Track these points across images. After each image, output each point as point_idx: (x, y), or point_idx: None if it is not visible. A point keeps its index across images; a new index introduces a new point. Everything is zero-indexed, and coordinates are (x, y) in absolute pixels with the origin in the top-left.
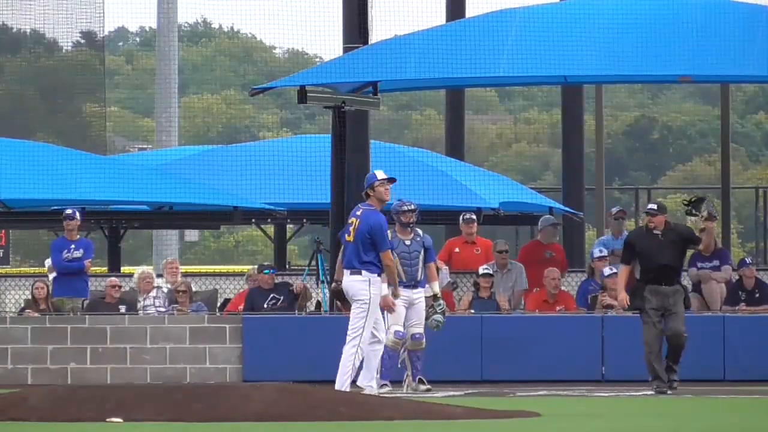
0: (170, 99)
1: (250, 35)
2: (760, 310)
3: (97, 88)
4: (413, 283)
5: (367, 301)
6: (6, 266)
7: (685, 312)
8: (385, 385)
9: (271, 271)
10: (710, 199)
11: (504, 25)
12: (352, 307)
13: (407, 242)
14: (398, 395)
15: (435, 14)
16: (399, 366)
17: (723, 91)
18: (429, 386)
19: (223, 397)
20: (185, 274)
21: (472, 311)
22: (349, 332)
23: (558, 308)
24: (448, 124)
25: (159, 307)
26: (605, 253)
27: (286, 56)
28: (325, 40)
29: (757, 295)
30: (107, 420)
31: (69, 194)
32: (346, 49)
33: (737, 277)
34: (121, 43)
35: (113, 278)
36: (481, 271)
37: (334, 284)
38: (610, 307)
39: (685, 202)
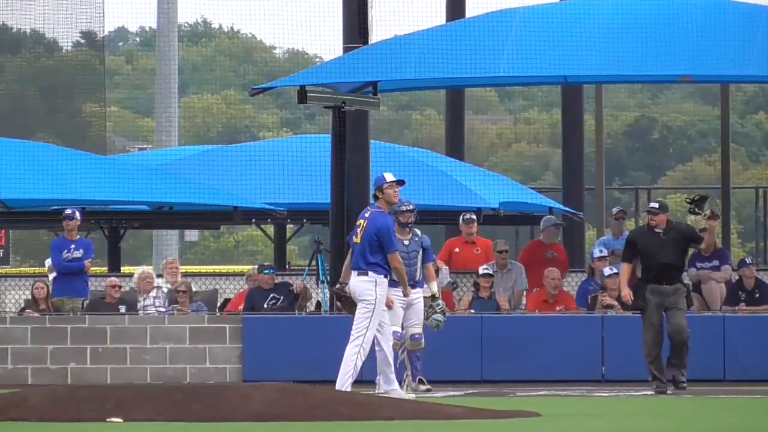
0: (170, 99)
1: (250, 35)
2: (760, 310)
3: (97, 88)
4: (411, 284)
5: (373, 302)
6: (6, 266)
7: (687, 311)
8: None
9: (271, 271)
10: (712, 198)
11: (504, 25)
12: (358, 307)
13: (406, 242)
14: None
15: (435, 14)
16: (398, 366)
17: (723, 91)
18: (429, 386)
19: (223, 397)
20: (185, 274)
21: (472, 311)
22: (352, 332)
23: (558, 308)
24: (448, 124)
25: (159, 307)
26: (605, 253)
27: (286, 56)
28: (325, 40)
29: (757, 295)
30: (107, 420)
31: (69, 194)
32: (346, 49)
33: (737, 277)
34: (121, 43)
35: (113, 278)
36: (481, 271)
37: (337, 285)
38: (610, 307)
39: (688, 200)
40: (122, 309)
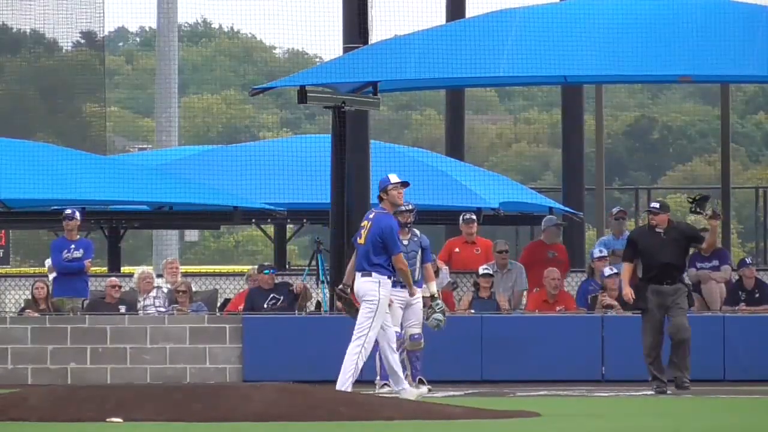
0: (170, 99)
1: (250, 35)
2: (760, 310)
3: (97, 88)
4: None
5: (376, 302)
6: (6, 266)
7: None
8: (386, 384)
9: (271, 271)
10: (712, 198)
11: (504, 25)
12: (361, 308)
13: (405, 242)
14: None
15: (435, 14)
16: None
17: (723, 91)
18: (429, 386)
19: (223, 397)
20: (185, 274)
21: (472, 311)
22: (355, 332)
23: (558, 308)
24: (448, 124)
25: (159, 307)
26: (605, 253)
27: (286, 56)
28: (325, 40)
29: (757, 295)
30: (107, 420)
31: (69, 194)
32: (346, 49)
33: (737, 277)
34: (121, 43)
35: (113, 278)
36: (481, 271)
37: (340, 286)
38: (610, 307)
39: (690, 200)
40: (122, 309)
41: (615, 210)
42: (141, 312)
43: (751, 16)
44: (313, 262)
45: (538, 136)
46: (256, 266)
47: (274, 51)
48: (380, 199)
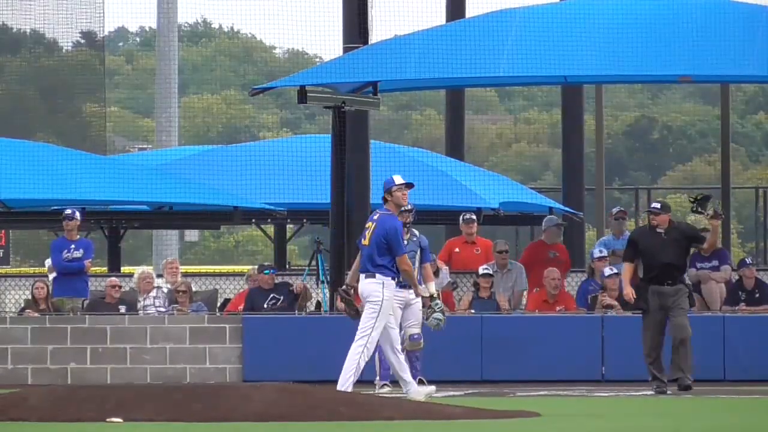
0: (170, 99)
1: (250, 35)
2: (760, 310)
3: (97, 88)
4: (409, 284)
5: (379, 303)
6: (6, 266)
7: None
8: (386, 385)
9: (271, 271)
10: (713, 198)
11: (504, 25)
12: (365, 308)
13: (404, 242)
14: (398, 395)
15: (435, 14)
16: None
17: (723, 91)
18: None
19: (223, 397)
20: (185, 274)
21: (472, 311)
22: (357, 332)
23: (558, 308)
24: (448, 124)
25: (159, 307)
26: (605, 253)
27: (286, 56)
28: (325, 40)
29: (757, 295)
30: (107, 420)
31: (69, 194)
32: (346, 49)
33: (737, 277)
34: (121, 43)
35: (113, 278)
36: (481, 271)
37: (343, 287)
38: (610, 307)
39: (691, 199)
40: (122, 309)
41: (615, 210)
42: (141, 312)
43: (751, 16)
44: (313, 262)
45: (538, 136)
46: (256, 266)
47: (274, 51)
48: (384, 200)
